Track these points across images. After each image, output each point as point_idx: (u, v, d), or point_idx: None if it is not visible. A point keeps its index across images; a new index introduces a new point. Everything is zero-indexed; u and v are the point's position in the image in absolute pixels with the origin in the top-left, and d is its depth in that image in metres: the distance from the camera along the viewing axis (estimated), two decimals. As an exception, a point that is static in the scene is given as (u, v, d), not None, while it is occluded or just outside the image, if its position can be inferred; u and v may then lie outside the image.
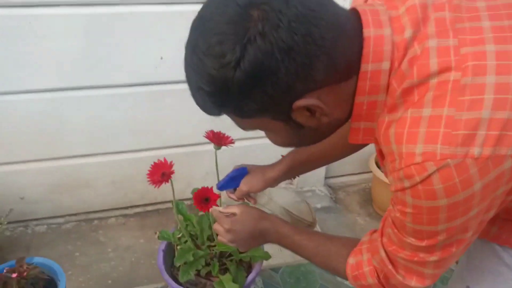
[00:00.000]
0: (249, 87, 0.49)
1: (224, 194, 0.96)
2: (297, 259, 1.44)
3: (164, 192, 1.68)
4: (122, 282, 1.39)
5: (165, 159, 0.84)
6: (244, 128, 0.58)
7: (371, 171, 1.73)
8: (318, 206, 1.73)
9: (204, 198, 0.90)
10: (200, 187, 1.71)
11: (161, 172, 0.83)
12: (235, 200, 0.92)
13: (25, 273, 0.93)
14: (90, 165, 1.52)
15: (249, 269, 1.07)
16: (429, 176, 0.47)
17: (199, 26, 0.50)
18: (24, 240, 1.54)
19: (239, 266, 1.02)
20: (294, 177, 0.93)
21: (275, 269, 1.30)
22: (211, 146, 1.62)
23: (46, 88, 1.31)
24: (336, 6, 0.51)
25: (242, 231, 0.81)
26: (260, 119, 0.54)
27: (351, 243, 0.71)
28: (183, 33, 1.41)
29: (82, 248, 1.51)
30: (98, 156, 1.51)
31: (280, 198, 0.94)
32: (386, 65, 0.52)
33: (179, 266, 0.98)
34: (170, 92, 1.44)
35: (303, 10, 0.46)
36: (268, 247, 1.05)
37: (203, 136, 0.94)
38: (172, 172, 0.82)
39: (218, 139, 0.90)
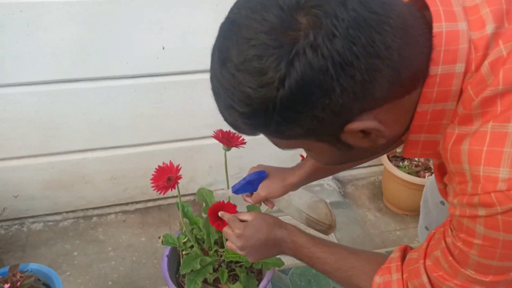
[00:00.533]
0: (295, 110, 0.40)
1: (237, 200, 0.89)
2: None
3: (166, 187, 1.62)
4: (123, 284, 1.33)
5: (171, 162, 0.77)
6: (281, 147, 0.50)
7: (381, 164, 1.66)
8: (327, 201, 1.66)
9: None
10: (203, 182, 1.65)
11: (166, 177, 0.75)
12: (251, 204, 0.85)
13: (18, 283, 0.87)
14: (88, 161, 1.44)
15: (259, 275, 1.01)
16: None
17: (231, 33, 0.41)
18: (19, 238, 1.47)
19: (249, 273, 0.96)
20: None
21: (284, 271, 1.24)
22: (213, 140, 1.53)
23: (41, 81, 1.23)
24: (400, 3, 0.42)
25: (255, 237, 0.74)
26: (302, 141, 0.47)
27: (377, 259, 0.64)
28: (187, 22, 1.32)
29: (80, 247, 1.45)
30: (97, 151, 1.44)
31: (298, 200, 0.87)
32: (460, 67, 0.43)
33: (180, 271, 0.92)
34: (172, 83, 1.35)
35: (364, 13, 0.37)
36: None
37: (212, 136, 0.86)
38: (179, 177, 0.75)
39: (228, 140, 0.82)
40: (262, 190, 0.81)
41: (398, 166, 1.61)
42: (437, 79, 0.44)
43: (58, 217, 1.55)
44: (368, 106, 0.42)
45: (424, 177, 1.58)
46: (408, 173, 1.56)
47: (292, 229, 0.74)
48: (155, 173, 0.76)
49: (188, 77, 1.36)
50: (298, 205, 0.87)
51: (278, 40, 0.37)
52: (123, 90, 1.32)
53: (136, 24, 1.20)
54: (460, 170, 0.44)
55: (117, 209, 1.60)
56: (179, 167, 0.76)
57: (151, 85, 1.34)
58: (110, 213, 1.59)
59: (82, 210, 1.57)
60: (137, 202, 1.62)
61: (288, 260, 1.29)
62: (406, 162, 1.65)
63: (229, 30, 0.41)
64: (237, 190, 0.81)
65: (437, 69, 0.43)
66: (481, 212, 0.42)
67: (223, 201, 0.84)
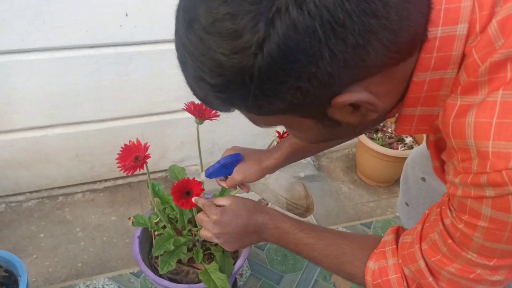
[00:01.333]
0: (276, 81, 0.34)
1: (208, 183, 0.84)
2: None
3: (135, 164, 1.55)
4: (94, 265, 1.28)
5: (138, 140, 0.71)
6: (259, 125, 0.44)
7: (355, 137, 1.65)
8: (302, 175, 1.65)
9: (184, 191, 0.77)
10: (175, 158, 1.59)
11: (133, 156, 0.69)
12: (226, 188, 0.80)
13: (-23, 272, 0.80)
14: (49, 138, 1.35)
15: (235, 253, 0.98)
16: None
17: None
18: (-21, 221, 1.38)
19: (225, 252, 0.93)
20: None
21: (260, 246, 1.22)
22: (185, 114, 1.45)
23: (-10, 51, 1.12)
24: None
25: (233, 223, 0.68)
26: (283, 117, 0.41)
27: (370, 243, 0.60)
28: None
29: (47, 228, 1.38)
30: (58, 128, 1.35)
31: (274, 183, 0.83)
32: (462, 29, 0.38)
33: (152, 253, 0.87)
34: (138, 54, 1.27)
35: None
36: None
37: (183, 108, 0.80)
38: (148, 156, 0.69)
39: (200, 112, 0.76)
40: (238, 174, 0.75)
41: (372, 138, 1.60)
42: (436, 43, 0.39)
43: (21, 198, 1.47)
44: (359, 76, 0.36)
45: (397, 148, 1.58)
46: (382, 145, 1.56)
47: (275, 214, 0.69)
48: (121, 152, 0.70)
49: (156, 47, 1.27)
50: (275, 188, 0.83)
51: None
52: (83, 60, 1.23)
53: (95, -12, 1.09)
54: (463, 146, 0.40)
55: (84, 188, 1.53)
56: (147, 145, 0.70)
57: (115, 55, 1.25)
58: (77, 192, 1.52)
59: (46, 189, 1.49)
60: (105, 180, 1.55)
61: (264, 235, 1.27)
62: (379, 134, 1.65)
63: None
64: (211, 173, 0.76)
65: (436, 31, 0.38)
66: (489, 192, 0.38)
67: (188, 178, 0.79)
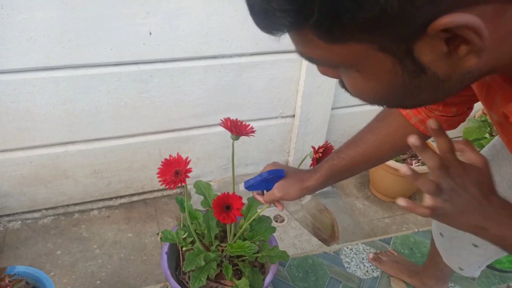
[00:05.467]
0: None
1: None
2: (302, 250, 1.37)
3: (151, 180, 1.55)
4: (112, 282, 1.27)
5: (178, 155, 0.72)
6: (322, 62, 0.35)
7: (368, 153, 1.66)
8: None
9: (224, 206, 0.77)
10: (191, 174, 1.60)
11: (174, 170, 0.70)
12: (261, 203, 0.80)
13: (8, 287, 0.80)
14: (68, 154, 1.36)
15: (261, 269, 0.98)
16: None
17: None
18: (-5, 239, 1.37)
19: (254, 268, 0.93)
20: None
21: (281, 263, 1.22)
22: (201, 131, 1.48)
23: (17, 68, 1.13)
24: None
25: (473, 186, 0.45)
26: (357, 47, 0.31)
27: None
28: (175, 5, 1.24)
29: (63, 246, 1.37)
30: (78, 144, 1.35)
31: (306, 205, 0.84)
32: None
33: (183, 268, 0.87)
34: (159, 71, 1.29)
35: None
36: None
37: (220, 124, 0.81)
38: (189, 171, 0.70)
39: (237, 128, 0.77)
40: (278, 190, 0.74)
41: (386, 154, 1.61)
42: None
43: (36, 215, 1.46)
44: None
45: (411, 164, 1.60)
46: (396, 161, 1.57)
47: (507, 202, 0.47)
48: (161, 167, 0.71)
49: (176, 64, 1.30)
50: (306, 211, 0.83)
51: None
52: (106, 78, 1.25)
53: (121, 7, 1.12)
54: None
55: (100, 204, 1.53)
56: (188, 160, 0.71)
57: (136, 73, 1.27)
58: (93, 209, 1.52)
59: (62, 206, 1.49)
60: (121, 197, 1.55)
61: (283, 252, 1.27)
62: (393, 150, 1.66)
63: None
64: (251, 186, 0.76)
65: None
66: None
67: (228, 193, 0.80)
